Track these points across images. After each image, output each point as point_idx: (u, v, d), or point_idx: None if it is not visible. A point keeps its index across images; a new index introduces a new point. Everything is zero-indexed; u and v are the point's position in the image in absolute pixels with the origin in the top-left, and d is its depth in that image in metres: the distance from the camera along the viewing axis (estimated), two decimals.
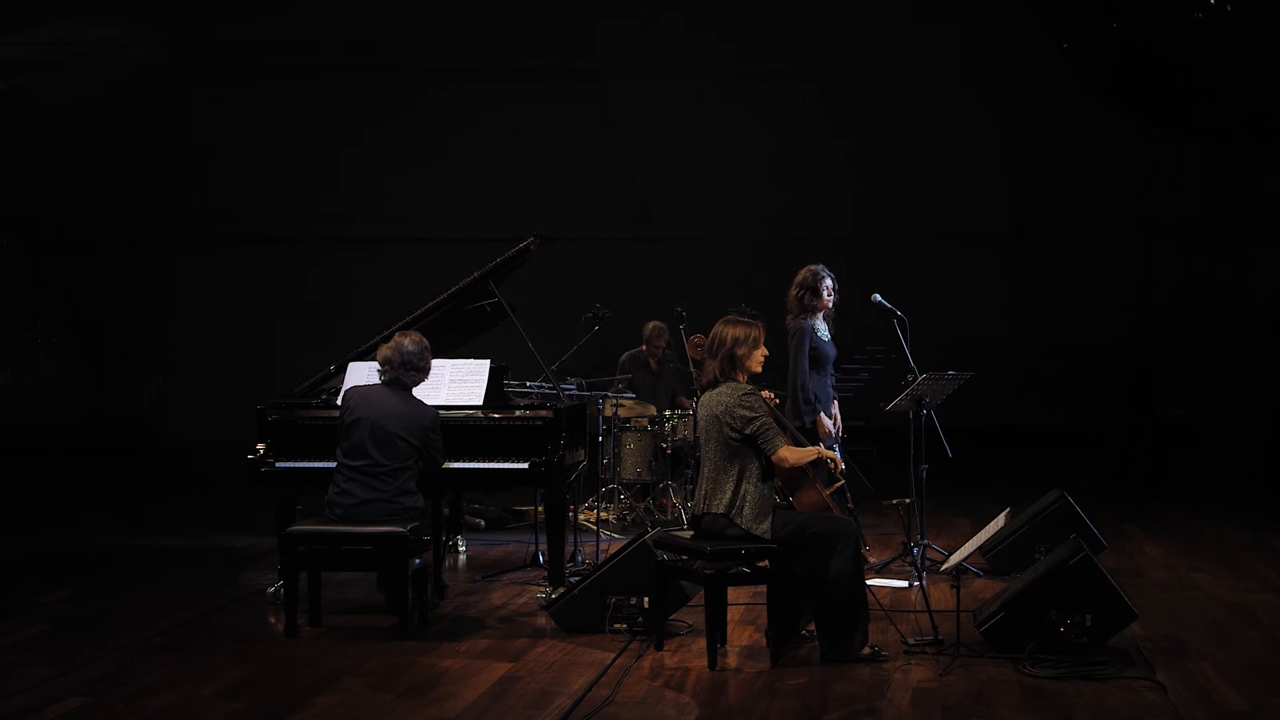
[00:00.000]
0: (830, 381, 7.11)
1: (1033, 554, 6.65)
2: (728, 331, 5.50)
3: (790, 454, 5.38)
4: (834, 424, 7.04)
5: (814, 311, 7.04)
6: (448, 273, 7.15)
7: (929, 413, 7.02)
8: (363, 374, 6.28)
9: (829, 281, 7.04)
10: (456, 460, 6.30)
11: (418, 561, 5.84)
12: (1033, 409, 13.80)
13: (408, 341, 5.89)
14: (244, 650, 5.64)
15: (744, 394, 5.40)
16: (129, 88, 14.23)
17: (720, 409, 5.42)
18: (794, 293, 7.08)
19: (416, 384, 5.93)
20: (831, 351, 7.09)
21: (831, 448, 6.73)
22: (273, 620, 6.22)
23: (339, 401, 6.01)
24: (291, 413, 6.47)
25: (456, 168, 14.20)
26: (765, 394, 5.67)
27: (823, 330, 7.08)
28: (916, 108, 14.00)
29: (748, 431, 5.34)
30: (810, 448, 5.59)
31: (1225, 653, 5.50)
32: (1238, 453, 12.94)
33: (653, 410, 8.75)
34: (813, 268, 7.08)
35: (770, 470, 5.43)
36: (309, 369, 6.90)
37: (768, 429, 5.35)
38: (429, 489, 6.33)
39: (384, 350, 5.91)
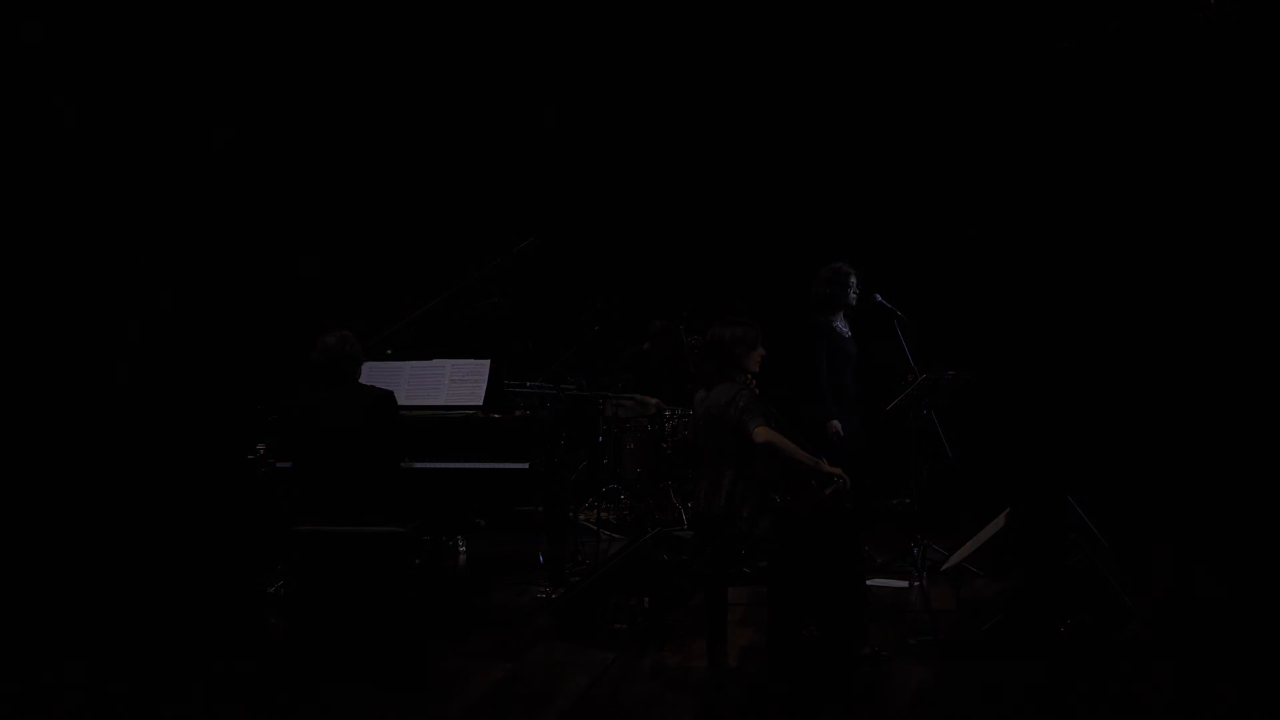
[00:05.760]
0: (850, 380, 7.09)
1: None
2: (725, 332, 5.52)
3: (771, 434, 5.30)
4: (846, 429, 6.99)
5: (834, 310, 7.03)
6: (447, 273, 7.16)
7: (929, 413, 7.02)
8: (364, 374, 6.28)
9: (853, 279, 7.04)
10: (457, 460, 6.31)
11: (418, 561, 5.85)
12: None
13: (328, 338, 5.80)
14: (244, 650, 5.64)
15: (736, 389, 5.43)
16: None
17: (717, 408, 5.43)
18: (817, 289, 7.07)
19: (355, 372, 5.82)
20: (853, 350, 7.07)
21: (839, 450, 6.71)
22: (273, 620, 6.22)
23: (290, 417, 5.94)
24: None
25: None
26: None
27: (842, 327, 7.07)
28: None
29: (731, 418, 5.35)
30: (806, 454, 5.53)
31: (1225, 652, 5.51)
32: None
33: (653, 410, 8.75)
34: (837, 265, 7.06)
35: (769, 467, 5.44)
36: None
37: (748, 408, 5.34)
38: (431, 489, 6.33)
39: (314, 357, 5.77)
